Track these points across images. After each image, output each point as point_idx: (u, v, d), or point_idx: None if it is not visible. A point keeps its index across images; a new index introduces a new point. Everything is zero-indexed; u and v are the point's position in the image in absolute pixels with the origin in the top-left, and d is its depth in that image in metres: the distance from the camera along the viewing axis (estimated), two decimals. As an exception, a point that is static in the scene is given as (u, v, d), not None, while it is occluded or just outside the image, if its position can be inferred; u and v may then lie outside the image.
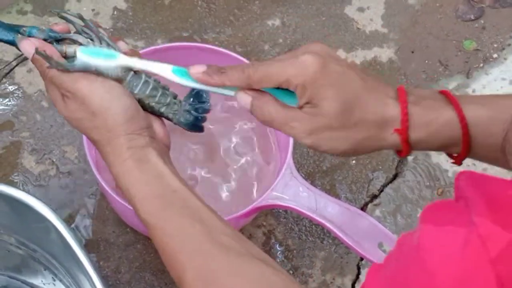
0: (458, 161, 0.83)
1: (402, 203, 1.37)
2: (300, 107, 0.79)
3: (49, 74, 0.81)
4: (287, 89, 0.79)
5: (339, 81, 0.77)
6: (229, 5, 1.59)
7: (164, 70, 0.83)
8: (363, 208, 1.35)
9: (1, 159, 1.34)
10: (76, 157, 1.35)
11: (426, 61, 1.57)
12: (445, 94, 0.80)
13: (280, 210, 1.32)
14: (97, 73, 0.81)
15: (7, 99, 1.41)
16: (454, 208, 0.63)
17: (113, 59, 0.82)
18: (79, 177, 1.33)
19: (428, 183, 1.39)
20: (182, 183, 0.80)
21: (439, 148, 0.81)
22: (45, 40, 0.83)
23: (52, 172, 1.33)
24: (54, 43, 0.82)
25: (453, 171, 1.40)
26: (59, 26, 0.85)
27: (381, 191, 1.38)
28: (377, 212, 1.35)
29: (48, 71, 0.80)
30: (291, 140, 1.18)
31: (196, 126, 0.91)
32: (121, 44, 0.85)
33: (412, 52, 1.58)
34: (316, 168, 1.39)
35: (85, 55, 0.80)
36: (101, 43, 0.83)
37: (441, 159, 1.42)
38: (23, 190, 1.09)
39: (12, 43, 0.84)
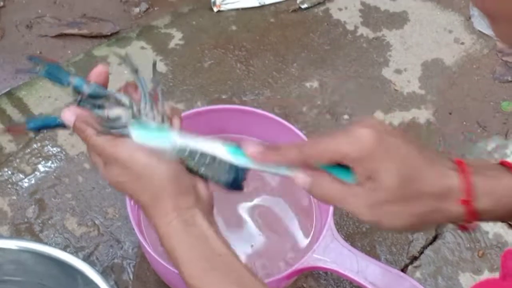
0: None
1: (443, 265, 1.36)
2: (359, 183, 0.77)
3: (90, 142, 0.81)
4: (343, 166, 0.78)
5: (397, 154, 0.76)
6: (267, 68, 1.61)
7: (219, 150, 0.83)
8: (403, 270, 1.35)
9: (44, 220, 1.35)
10: (118, 219, 1.36)
11: (464, 123, 1.57)
12: (503, 164, 0.79)
13: (321, 272, 1.32)
14: None
15: (50, 161, 1.43)
16: (501, 287, 0.63)
17: (165, 139, 0.82)
18: (120, 238, 1.34)
19: (468, 245, 1.39)
20: (226, 246, 0.80)
21: (504, 217, 0.79)
22: (89, 95, 0.84)
23: (94, 234, 1.34)
24: (96, 109, 0.83)
25: (493, 233, 1.40)
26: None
27: (421, 252, 1.38)
28: (418, 274, 1.35)
29: (89, 139, 0.81)
30: (331, 202, 1.18)
31: (236, 185, 0.90)
32: (175, 123, 0.84)
33: (450, 113, 1.58)
34: (356, 229, 1.39)
35: (136, 131, 0.82)
36: (151, 113, 0.84)
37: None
38: (66, 251, 1.10)
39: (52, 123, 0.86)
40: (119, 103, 0.84)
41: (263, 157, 0.80)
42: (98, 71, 0.86)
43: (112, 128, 0.81)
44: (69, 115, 0.83)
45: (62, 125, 0.84)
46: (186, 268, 0.79)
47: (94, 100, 0.84)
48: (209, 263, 0.79)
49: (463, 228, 0.79)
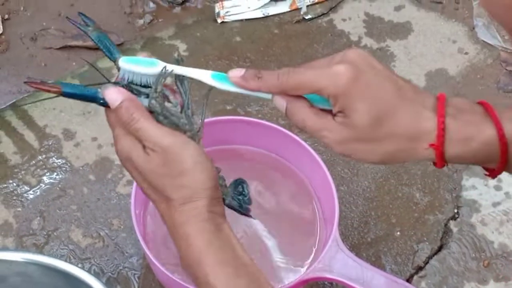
0: (492, 176, 0.81)
1: (448, 275, 1.36)
2: (333, 115, 0.79)
3: (136, 126, 0.80)
4: None
5: (372, 93, 0.77)
6: (271, 79, 1.62)
7: (204, 76, 0.85)
8: (408, 280, 1.35)
9: (49, 232, 1.35)
10: (123, 230, 1.37)
11: (469, 132, 1.57)
12: (484, 106, 0.78)
13: (326, 283, 1.32)
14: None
15: (55, 173, 1.43)
16: None
17: (153, 68, 0.83)
18: (126, 249, 1.34)
19: (474, 255, 1.39)
20: (250, 258, 0.81)
21: (474, 163, 0.80)
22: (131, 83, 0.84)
23: (99, 245, 1.34)
24: (142, 96, 0.84)
25: (498, 243, 1.40)
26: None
27: (426, 262, 1.38)
28: (423, 284, 1.35)
29: (136, 122, 0.80)
30: (336, 212, 1.19)
31: (241, 212, 0.94)
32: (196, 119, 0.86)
33: (454, 123, 1.58)
34: (361, 240, 1.39)
35: (124, 61, 0.83)
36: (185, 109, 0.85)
37: (487, 231, 1.41)
38: (71, 263, 1.10)
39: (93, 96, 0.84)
40: (164, 97, 0.84)
41: (245, 83, 0.82)
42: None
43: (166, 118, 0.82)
44: (115, 93, 0.82)
45: (99, 101, 0.83)
46: (212, 270, 0.78)
47: (136, 87, 0.84)
48: (236, 270, 0.79)
49: (435, 165, 0.79)
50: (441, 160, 0.77)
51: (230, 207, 0.92)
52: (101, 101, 0.83)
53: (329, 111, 0.80)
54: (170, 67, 0.84)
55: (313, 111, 0.81)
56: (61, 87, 0.83)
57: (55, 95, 0.84)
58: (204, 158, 0.81)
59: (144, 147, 0.81)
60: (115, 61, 0.85)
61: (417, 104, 0.78)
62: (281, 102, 0.82)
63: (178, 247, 0.81)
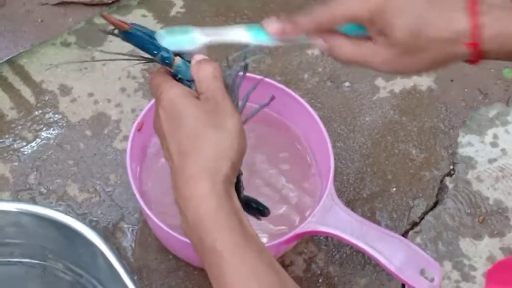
0: None
1: (443, 231, 1.36)
2: (372, 40, 0.83)
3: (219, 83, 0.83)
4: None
5: (404, 7, 0.80)
6: (268, 35, 1.61)
7: (243, 36, 0.89)
8: (404, 236, 1.35)
9: (46, 186, 1.36)
10: (120, 185, 1.37)
11: (466, 90, 1.57)
12: None
13: (321, 237, 1.33)
14: None
15: (51, 128, 1.43)
16: None
17: (191, 39, 0.87)
18: (122, 204, 1.35)
19: (469, 211, 1.39)
20: (255, 232, 0.79)
21: (508, 58, 0.82)
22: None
23: (95, 200, 1.35)
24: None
25: (493, 199, 1.40)
26: None
27: (421, 218, 1.38)
28: (418, 239, 1.35)
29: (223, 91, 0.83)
30: (332, 168, 1.19)
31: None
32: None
33: (452, 80, 1.58)
34: (357, 196, 1.39)
35: (165, 39, 0.86)
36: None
37: (482, 187, 1.41)
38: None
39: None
40: None
41: (283, 32, 0.86)
42: None
43: None
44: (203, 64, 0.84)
45: (164, 60, 0.86)
46: (220, 234, 0.76)
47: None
48: (245, 240, 0.76)
49: (471, 63, 0.83)
50: (477, 57, 0.80)
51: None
52: (167, 62, 0.86)
53: (367, 38, 0.84)
54: (206, 38, 0.87)
55: (352, 42, 0.85)
56: (133, 26, 0.85)
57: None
58: (243, 132, 0.82)
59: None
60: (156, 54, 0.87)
61: (449, 8, 0.80)
62: (320, 43, 0.86)
63: (184, 207, 0.79)
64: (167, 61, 0.86)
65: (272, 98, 1.05)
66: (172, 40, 0.85)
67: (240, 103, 0.91)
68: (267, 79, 1.30)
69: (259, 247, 0.77)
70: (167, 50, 0.85)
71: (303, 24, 0.85)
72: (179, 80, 0.86)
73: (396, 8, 0.80)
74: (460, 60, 0.82)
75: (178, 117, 0.81)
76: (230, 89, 0.87)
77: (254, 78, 0.97)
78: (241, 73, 0.90)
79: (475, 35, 0.78)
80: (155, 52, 0.85)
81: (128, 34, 0.85)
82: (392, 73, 0.86)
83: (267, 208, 0.99)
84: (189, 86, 0.85)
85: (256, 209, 0.98)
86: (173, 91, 0.82)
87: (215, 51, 0.91)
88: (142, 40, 0.85)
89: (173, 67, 0.87)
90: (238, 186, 0.92)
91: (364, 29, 0.84)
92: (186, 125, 0.80)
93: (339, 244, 1.32)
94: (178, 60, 0.86)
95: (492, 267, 0.64)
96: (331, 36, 0.85)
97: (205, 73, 0.83)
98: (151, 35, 0.86)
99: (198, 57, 0.85)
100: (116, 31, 0.85)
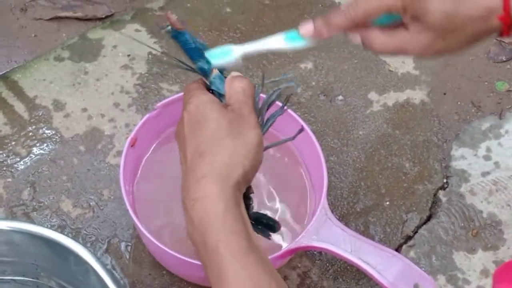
0: None
1: (437, 244, 1.36)
2: (406, 26, 0.85)
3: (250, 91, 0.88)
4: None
5: None
6: (262, 49, 1.61)
7: (279, 43, 0.94)
8: (397, 250, 1.35)
9: (39, 202, 1.36)
10: (113, 200, 1.37)
11: (459, 103, 1.57)
12: None
13: (315, 252, 1.33)
14: None
15: (45, 144, 1.43)
16: None
17: (229, 53, 0.92)
18: (115, 220, 1.34)
19: (462, 224, 1.39)
20: (256, 240, 0.80)
21: None
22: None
23: (89, 215, 1.35)
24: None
25: (487, 212, 1.40)
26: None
27: (415, 232, 1.38)
28: (412, 253, 1.35)
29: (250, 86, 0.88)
30: (325, 182, 1.19)
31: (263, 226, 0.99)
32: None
33: (444, 94, 1.58)
34: (350, 210, 1.39)
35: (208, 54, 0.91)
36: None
37: (476, 200, 1.42)
38: (61, 232, 1.11)
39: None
40: None
41: (318, 34, 0.90)
42: None
43: None
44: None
45: (202, 69, 0.90)
46: (227, 238, 0.76)
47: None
48: (249, 247, 0.77)
49: (501, 35, 0.84)
50: (508, 29, 0.82)
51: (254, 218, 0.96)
52: (200, 65, 0.90)
53: (400, 28, 0.87)
54: (242, 48, 0.93)
55: (386, 33, 0.88)
56: (185, 27, 0.91)
57: None
58: (261, 147, 0.84)
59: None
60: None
61: None
62: (355, 37, 0.89)
63: (191, 207, 0.79)
64: (205, 71, 0.90)
65: (301, 131, 1.07)
66: (212, 52, 0.91)
67: (264, 127, 0.95)
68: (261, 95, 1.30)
69: (262, 256, 0.78)
70: (207, 61, 0.90)
71: (337, 24, 0.88)
72: (212, 92, 0.89)
73: None
74: (493, 33, 0.84)
75: (201, 120, 0.83)
76: (258, 109, 0.91)
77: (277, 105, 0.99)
78: (279, 103, 0.97)
79: (506, 8, 0.80)
80: (196, 58, 0.90)
81: (179, 34, 0.91)
82: (429, 57, 0.88)
83: (277, 222, 0.98)
84: (220, 100, 0.88)
85: (266, 224, 0.98)
86: (201, 97, 0.85)
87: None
88: (187, 43, 0.90)
89: (209, 79, 0.90)
90: (248, 203, 0.92)
91: (392, 17, 0.87)
92: (207, 128, 0.82)
93: (333, 258, 1.32)
94: (215, 72, 0.90)
95: (499, 267, 0.65)
96: (365, 30, 0.88)
97: (237, 87, 0.87)
98: (198, 44, 0.91)
99: (234, 74, 0.89)
100: (169, 27, 0.91)
